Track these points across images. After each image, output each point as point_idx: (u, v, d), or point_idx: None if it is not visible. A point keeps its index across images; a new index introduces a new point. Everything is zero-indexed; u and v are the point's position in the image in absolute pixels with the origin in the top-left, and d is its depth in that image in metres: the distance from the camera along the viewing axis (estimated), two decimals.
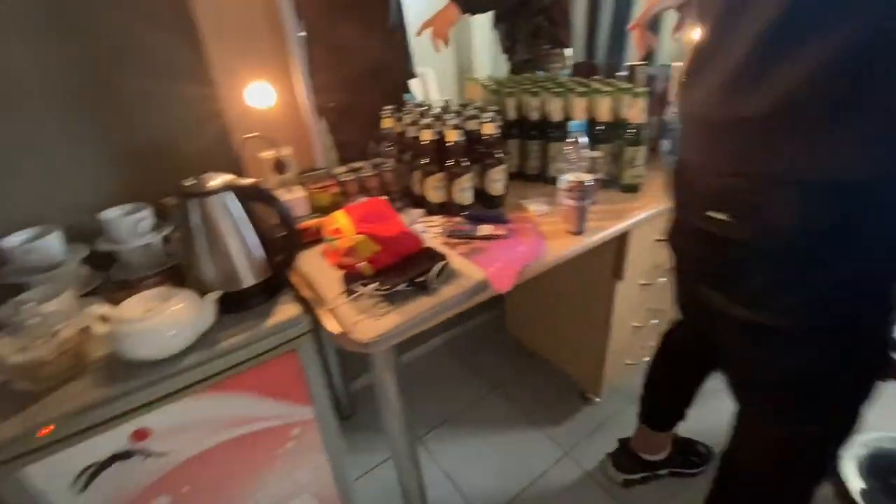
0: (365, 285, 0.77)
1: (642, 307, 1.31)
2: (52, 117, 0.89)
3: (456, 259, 0.85)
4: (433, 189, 1.08)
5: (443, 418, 1.50)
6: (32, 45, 0.84)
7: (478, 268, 0.83)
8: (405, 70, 1.47)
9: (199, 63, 0.98)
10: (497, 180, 1.10)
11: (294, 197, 1.00)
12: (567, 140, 1.04)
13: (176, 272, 0.93)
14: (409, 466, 0.97)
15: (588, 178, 0.94)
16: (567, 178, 0.96)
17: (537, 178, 1.28)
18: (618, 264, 1.15)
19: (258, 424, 0.82)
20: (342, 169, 1.12)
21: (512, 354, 1.73)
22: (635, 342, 1.38)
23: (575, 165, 1.02)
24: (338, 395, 1.45)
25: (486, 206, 1.13)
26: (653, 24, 1.14)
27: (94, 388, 0.66)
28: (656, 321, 1.37)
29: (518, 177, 1.29)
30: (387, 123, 1.25)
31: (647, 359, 1.47)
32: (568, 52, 1.72)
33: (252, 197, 0.79)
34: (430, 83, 1.76)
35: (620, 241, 1.11)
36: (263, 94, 1.02)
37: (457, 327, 1.86)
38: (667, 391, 1.18)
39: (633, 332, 1.34)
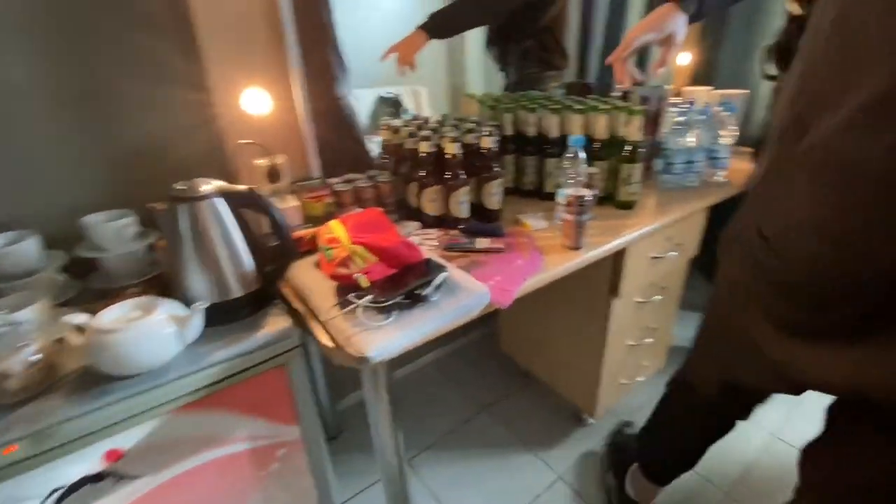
0: (360, 297, 0.73)
1: (637, 325, 1.30)
2: (34, 117, 0.85)
3: (456, 272, 0.83)
4: (430, 201, 1.06)
5: (432, 439, 1.45)
6: (22, 45, 0.81)
7: (478, 281, 0.80)
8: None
9: (193, 67, 0.95)
10: (494, 194, 1.09)
11: (287, 206, 0.97)
12: (566, 155, 1.04)
13: (159, 282, 0.89)
14: (399, 489, 0.92)
15: (587, 192, 0.93)
16: (566, 193, 0.95)
17: (533, 193, 1.27)
18: (614, 281, 1.14)
19: (240, 445, 0.78)
20: (337, 179, 1.10)
21: (504, 373, 1.69)
22: (630, 361, 1.36)
23: (573, 180, 1.02)
24: (324, 414, 1.39)
25: (483, 220, 1.12)
26: (638, 58, 1.13)
27: (66, 404, 0.61)
28: (651, 340, 1.36)
29: (514, 192, 1.29)
30: (383, 135, 1.24)
31: (640, 378, 1.46)
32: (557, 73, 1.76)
33: (245, 204, 0.77)
34: (423, 99, 1.77)
35: (617, 257, 1.10)
36: (259, 101, 1.00)
37: (447, 345, 1.82)
38: (683, 447, 1.06)
39: (627, 351, 1.32)
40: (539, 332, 1.50)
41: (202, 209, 0.73)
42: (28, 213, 0.86)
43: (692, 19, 0.89)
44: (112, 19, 0.87)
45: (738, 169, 1.36)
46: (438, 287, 0.76)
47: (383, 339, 0.68)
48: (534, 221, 1.09)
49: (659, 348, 1.49)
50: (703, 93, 1.69)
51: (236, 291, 0.77)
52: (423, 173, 1.05)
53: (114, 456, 0.65)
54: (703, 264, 1.53)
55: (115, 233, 0.87)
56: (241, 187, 0.76)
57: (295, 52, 1.01)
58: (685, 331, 1.68)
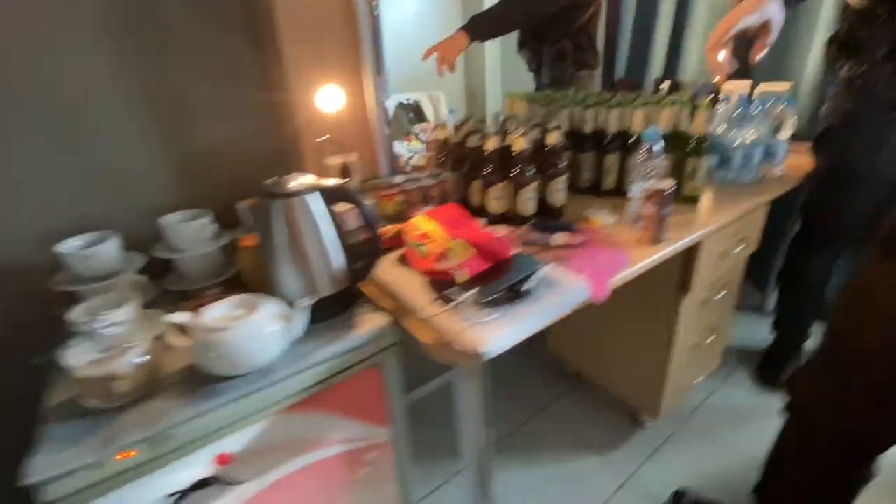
0: (460, 292, 0.71)
1: (701, 323, 1.27)
2: (117, 122, 0.84)
3: (548, 267, 0.81)
4: (495, 199, 1.04)
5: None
6: (102, 46, 0.80)
7: (573, 275, 0.78)
8: None
9: (272, 65, 0.94)
10: (559, 190, 1.08)
11: None
12: (639, 150, 1.02)
13: (237, 282, 0.87)
14: (485, 484, 0.88)
15: (668, 185, 0.92)
16: (645, 186, 0.94)
17: (589, 190, 1.26)
18: (686, 277, 1.11)
19: (337, 447, 0.75)
20: (402, 177, 1.08)
21: (554, 376, 1.66)
22: (691, 360, 1.33)
23: (648, 174, 1.00)
24: None
25: (547, 217, 1.10)
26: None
27: (176, 406, 0.59)
28: (713, 338, 1.33)
29: (569, 189, 1.27)
30: (438, 133, 1.23)
31: (699, 379, 1.43)
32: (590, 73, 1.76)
33: (338, 199, 0.75)
34: (442, 104, 1.77)
35: (689, 252, 1.08)
36: (334, 98, 0.98)
37: None
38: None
39: (690, 350, 1.29)
40: (593, 332, 1.47)
41: (296, 205, 0.71)
42: (106, 213, 0.85)
43: (788, 3, 0.87)
44: (191, 19, 0.86)
45: (795, 164, 1.35)
46: (539, 282, 0.74)
47: (494, 333, 0.66)
48: (602, 217, 1.07)
49: (717, 347, 1.46)
50: (744, 87, 1.68)
51: (328, 289, 0.75)
52: (488, 171, 1.03)
53: (224, 460, 0.62)
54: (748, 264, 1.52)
55: (192, 233, 0.85)
56: (334, 182, 0.74)
57: (369, 47, 0.99)
58: (738, 331, 1.68)
